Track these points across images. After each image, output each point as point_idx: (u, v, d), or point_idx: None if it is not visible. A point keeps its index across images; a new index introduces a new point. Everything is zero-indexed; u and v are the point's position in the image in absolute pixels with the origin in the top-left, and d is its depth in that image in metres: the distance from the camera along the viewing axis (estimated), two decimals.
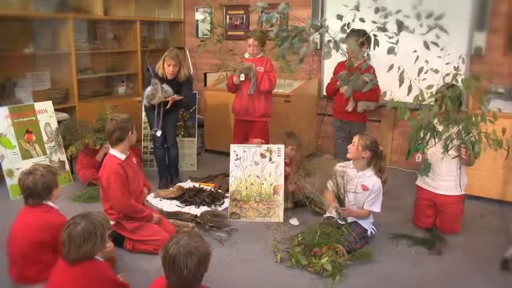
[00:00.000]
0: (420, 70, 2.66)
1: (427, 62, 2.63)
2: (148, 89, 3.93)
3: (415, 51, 2.64)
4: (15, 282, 2.44)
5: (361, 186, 3.06)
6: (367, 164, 3.09)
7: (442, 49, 2.64)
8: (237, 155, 3.56)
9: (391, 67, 2.62)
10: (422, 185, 3.36)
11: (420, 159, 3.19)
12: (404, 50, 2.61)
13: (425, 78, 2.64)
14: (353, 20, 2.68)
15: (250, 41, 3.94)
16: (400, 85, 2.65)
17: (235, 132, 4.21)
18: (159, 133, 4.08)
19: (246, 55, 4.04)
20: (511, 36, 4.09)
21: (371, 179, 3.06)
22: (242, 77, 3.91)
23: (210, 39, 4.96)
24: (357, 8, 2.60)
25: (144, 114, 4.56)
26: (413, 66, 2.66)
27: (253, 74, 3.86)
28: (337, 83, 3.84)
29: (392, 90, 2.80)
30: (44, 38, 4.81)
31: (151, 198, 3.85)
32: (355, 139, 3.09)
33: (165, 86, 3.92)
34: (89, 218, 2.05)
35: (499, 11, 4.09)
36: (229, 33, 5.73)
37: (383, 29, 2.57)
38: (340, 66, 3.94)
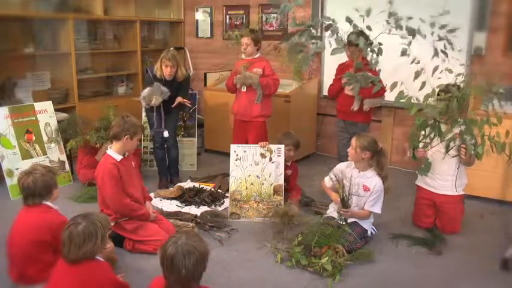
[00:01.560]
0: (435, 69, 2.66)
1: (444, 59, 2.63)
2: (146, 90, 3.94)
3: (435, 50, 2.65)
4: (15, 282, 2.44)
5: (362, 187, 3.06)
6: (368, 164, 3.09)
7: (459, 50, 2.65)
8: (237, 155, 3.56)
9: (410, 58, 2.62)
10: (422, 184, 3.36)
11: (409, 154, 3.17)
12: (419, 48, 2.60)
13: (440, 78, 2.65)
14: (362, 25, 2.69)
15: (244, 39, 3.93)
16: (414, 79, 2.64)
17: (235, 132, 4.21)
18: (166, 134, 4.09)
19: (243, 56, 4.03)
20: (511, 36, 4.09)
21: (372, 180, 3.06)
22: (244, 88, 3.92)
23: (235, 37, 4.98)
24: (368, 13, 2.60)
25: (144, 114, 4.56)
26: (427, 64, 2.65)
27: (256, 84, 3.83)
28: (342, 81, 3.81)
29: (403, 85, 2.79)
30: (44, 38, 4.81)
31: None
32: (353, 141, 3.08)
33: (162, 87, 3.91)
34: (90, 218, 2.05)
35: (499, 11, 4.09)
36: (229, 33, 5.73)
37: (399, 27, 2.56)
38: (341, 67, 3.93)
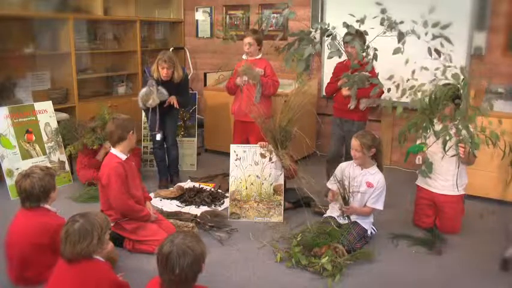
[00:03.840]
0: (413, 72, 2.70)
1: (445, 58, 2.67)
2: (143, 89, 3.93)
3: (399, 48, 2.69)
4: (14, 283, 2.44)
5: (365, 183, 3.06)
6: (370, 161, 3.09)
7: (451, 51, 2.66)
8: (237, 155, 3.56)
9: (391, 77, 2.69)
10: (422, 184, 3.36)
11: (420, 161, 3.18)
12: (414, 48, 2.65)
13: (416, 79, 2.69)
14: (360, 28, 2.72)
15: (247, 39, 3.91)
16: (397, 90, 2.70)
17: (235, 132, 4.20)
18: (159, 136, 4.09)
19: (244, 56, 4.01)
20: (511, 36, 4.09)
21: (375, 176, 3.07)
22: (245, 78, 3.90)
23: (225, 35, 4.99)
24: (362, 21, 2.63)
25: (143, 114, 4.56)
26: (407, 65, 2.71)
27: (257, 81, 3.83)
28: (339, 83, 3.81)
29: (390, 90, 2.83)
30: (44, 38, 4.81)
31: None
32: (354, 144, 3.05)
33: (160, 87, 3.92)
34: (88, 217, 2.05)
35: (499, 11, 4.09)
36: (231, 33, 5.73)
37: (391, 26, 2.60)
38: (339, 66, 3.92)
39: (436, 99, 2.84)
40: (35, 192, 2.38)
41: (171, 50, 5.52)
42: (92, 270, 2.03)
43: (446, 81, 2.87)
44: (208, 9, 5.91)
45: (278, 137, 3.38)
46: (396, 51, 2.61)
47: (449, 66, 2.71)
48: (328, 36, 2.80)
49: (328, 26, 2.79)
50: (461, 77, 2.67)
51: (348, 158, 3.29)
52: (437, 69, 2.77)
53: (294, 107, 3.48)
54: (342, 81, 3.69)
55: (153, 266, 2.67)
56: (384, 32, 2.65)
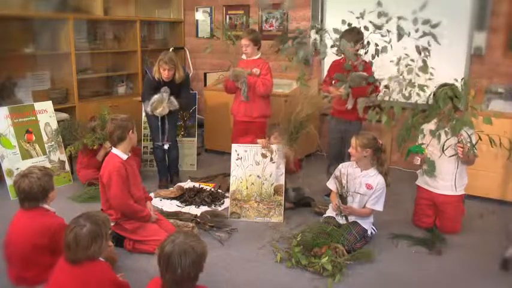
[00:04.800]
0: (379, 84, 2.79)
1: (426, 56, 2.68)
2: (155, 96, 3.92)
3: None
4: (14, 283, 2.44)
5: (365, 185, 3.06)
6: (370, 162, 3.09)
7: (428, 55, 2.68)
8: (238, 155, 3.56)
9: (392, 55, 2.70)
10: (422, 184, 3.36)
11: (419, 162, 3.19)
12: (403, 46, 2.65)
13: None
14: (359, 27, 2.73)
15: (243, 41, 3.91)
16: (381, 52, 2.81)
17: (234, 133, 4.19)
18: (166, 146, 4.12)
19: (244, 56, 4.02)
20: (511, 36, 4.09)
21: (375, 178, 3.06)
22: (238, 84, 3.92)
23: (219, 39, 4.97)
24: (362, 15, 2.64)
25: (143, 115, 4.56)
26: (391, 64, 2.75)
27: (242, 80, 3.84)
28: (330, 87, 3.80)
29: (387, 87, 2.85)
30: (44, 38, 4.81)
31: None
32: (352, 141, 3.08)
33: (172, 98, 3.92)
34: (93, 219, 2.05)
35: (499, 11, 4.09)
36: (228, 33, 5.72)
37: (378, 27, 2.61)
38: (335, 64, 3.90)
39: (436, 101, 2.85)
40: (33, 192, 2.37)
41: (171, 50, 5.53)
42: (93, 271, 2.03)
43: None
44: (208, 9, 5.91)
45: (291, 128, 3.36)
46: (383, 50, 2.63)
47: (412, 61, 2.72)
48: (318, 33, 2.83)
49: (321, 26, 2.84)
50: (429, 68, 2.67)
51: (348, 158, 3.29)
52: (398, 64, 2.79)
53: (316, 104, 3.47)
54: (334, 89, 3.70)
55: (153, 266, 2.66)
56: (374, 31, 2.66)
